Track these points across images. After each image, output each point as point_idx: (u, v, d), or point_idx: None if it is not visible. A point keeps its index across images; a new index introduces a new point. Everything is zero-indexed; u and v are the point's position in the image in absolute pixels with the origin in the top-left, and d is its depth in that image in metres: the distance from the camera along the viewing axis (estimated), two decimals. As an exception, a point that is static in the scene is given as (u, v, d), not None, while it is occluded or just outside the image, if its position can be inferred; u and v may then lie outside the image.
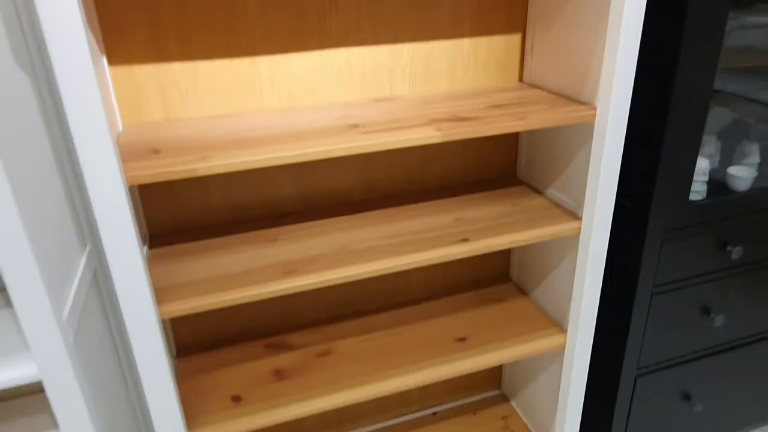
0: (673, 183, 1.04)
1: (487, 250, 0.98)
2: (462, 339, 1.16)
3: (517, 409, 1.48)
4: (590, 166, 0.99)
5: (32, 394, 1.07)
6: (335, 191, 1.14)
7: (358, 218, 1.09)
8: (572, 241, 1.09)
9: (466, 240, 0.99)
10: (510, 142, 1.24)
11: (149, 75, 0.93)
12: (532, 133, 1.18)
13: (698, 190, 1.16)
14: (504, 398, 1.53)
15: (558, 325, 1.19)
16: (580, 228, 1.04)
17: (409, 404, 1.47)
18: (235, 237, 1.03)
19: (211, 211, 1.08)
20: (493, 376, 1.54)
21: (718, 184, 1.20)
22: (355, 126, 0.90)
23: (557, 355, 1.21)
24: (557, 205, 1.11)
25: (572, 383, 1.17)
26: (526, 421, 1.44)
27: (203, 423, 0.96)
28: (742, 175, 1.17)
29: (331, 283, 0.89)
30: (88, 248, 0.98)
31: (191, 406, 1.00)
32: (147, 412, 1.22)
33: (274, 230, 1.05)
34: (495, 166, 1.25)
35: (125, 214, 0.72)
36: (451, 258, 0.96)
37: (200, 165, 0.74)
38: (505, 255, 1.36)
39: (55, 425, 0.99)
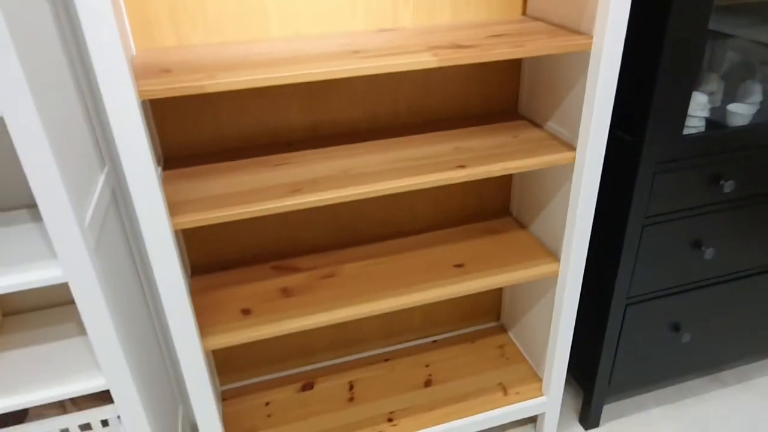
0: (668, 115, 1.06)
1: (483, 176, 1.03)
2: (460, 265, 1.22)
3: (513, 338, 1.55)
4: (585, 96, 1.02)
5: (63, 305, 1.16)
6: (340, 122, 1.19)
7: (361, 147, 1.14)
8: (567, 172, 1.13)
9: (463, 166, 1.03)
10: (512, 76, 1.26)
11: (160, 1, 0.97)
12: (533, 67, 1.20)
13: (696, 125, 1.18)
14: (502, 329, 1.60)
15: (553, 254, 1.24)
16: (574, 157, 1.08)
17: (412, 331, 1.55)
18: (243, 161, 1.09)
19: (222, 138, 1.13)
20: (493, 308, 1.61)
21: (718, 122, 1.22)
22: (356, 52, 0.94)
23: (551, 284, 1.27)
24: (555, 137, 1.15)
25: (563, 310, 1.23)
26: (521, 349, 1.51)
27: (215, 331, 1.04)
28: (740, 111, 1.19)
29: (333, 202, 0.95)
30: (106, 168, 1.05)
31: (203, 317, 1.08)
32: (164, 320, 1.31)
33: (281, 156, 1.11)
34: (497, 101, 1.28)
35: (139, 128, 0.77)
36: (448, 182, 1.01)
37: (208, 82, 0.79)
38: (505, 190, 1.41)
39: (83, 332, 1.08)
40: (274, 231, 1.27)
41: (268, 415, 1.34)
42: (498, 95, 1.27)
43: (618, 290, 1.24)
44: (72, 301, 1.16)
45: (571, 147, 1.09)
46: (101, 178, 1.00)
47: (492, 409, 1.34)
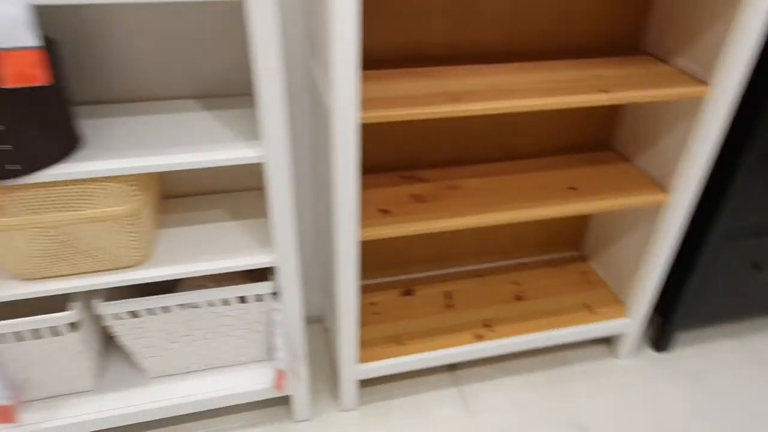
0: (804, 57, 1.12)
1: (624, 101, 1.10)
2: (574, 188, 1.31)
3: (594, 267, 1.66)
4: (733, 31, 1.07)
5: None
6: (478, 43, 1.25)
7: (501, 67, 1.20)
8: (692, 106, 1.19)
9: (605, 91, 1.10)
10: (641, 11, 1.31)
11: None
12: (669, 1, 1.25)
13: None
14: (583, 258, 1.70)
15: (660, 185, 1.32)
16: (706, 92, 1.14)
17: (502, 252, 1.66)
18: (395, 71, 1.16)
19: (368, 49, 1.20)
20: (575, 239, 1.70)
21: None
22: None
23: (649, 215, 1.35)
24: (684, 72, 1.20)
25: (664, 240, 1.32)
26: (603, 276, 1.62)
27: (365, 226, 1.14)
28: None
29: (493, 112, 1.03)
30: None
31: (349, 212, 1.18)
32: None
33: (427, 69, 1.18)
34: (622, 36, 1.33)
35: (354, 18, 0.85)
36: (593, 104, 1.08)
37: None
38: (608, 123, 1.47)
39: (236, 217, 1.19)
40: (398, 143, 1.35)
41: (376, 313, 1.47)
42: (624, 31, 1.32)
43: (719, 225, 1.33)
44: (223, 190, 1.26)
45: (703, 82, 1.15)
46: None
47: (579, 324, 1.46)
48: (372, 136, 1.32)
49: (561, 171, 1.38)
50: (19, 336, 1.04)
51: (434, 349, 1.37)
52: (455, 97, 1.05)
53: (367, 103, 1.01)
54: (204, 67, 1.11)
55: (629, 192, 1.30)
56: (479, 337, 1.41)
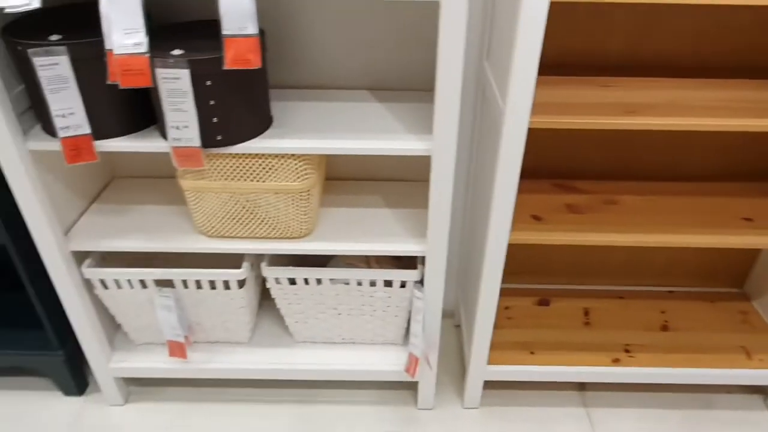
0: None
1: (828, 130, 0.99)
2: (749, 219, 1.20)
3: (758, 308, 1.51)
4: None
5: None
6: (661, 54, 1.19)
7: (684, 82, 1.14)
8: None
9: (805, 117, 1.00)
10: None
11: None
12: None
13: None
14: (744, 296, 1.56)
15: None
16: None
17: (650, 277, 1.57)
18: (569, 78, 1.15)
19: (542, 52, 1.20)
20: (738, 274, 1.56)
21: None
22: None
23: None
24: None
25: None
26: (767, 320, 1.47)
27: (515, 229, 1.15)
28: None
29: (671, 128, 0.98)
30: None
31: (501, 214, 1.19)
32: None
33: (603, 78, 1.15)
34: (831, 57, 1.20)
35: (542, 26, 0.86)
36: (788, 130, 0.99)
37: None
38: (802, 154, 1.33)
39: (390, 204, 1.26)
40: (557, 150, 1.33)
41: (509, 318, 1.47)
42: (835, 50, 1.19)
43: None
44: (381, 178, 1.34)
45: None
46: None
47: (733, 367, 1.34)
48: (530, 140, 1.32)
49: (736, 198, 1.27)
50: (198, 284, 1.19)
51: (566, 364, 1.34)
52: (630, 110, 1.02)
53: (537, 107, 1.01)
54: (384, 61, 1.18)
55: (816, 231, 1.17)
56: (616, 361, 1.35)
